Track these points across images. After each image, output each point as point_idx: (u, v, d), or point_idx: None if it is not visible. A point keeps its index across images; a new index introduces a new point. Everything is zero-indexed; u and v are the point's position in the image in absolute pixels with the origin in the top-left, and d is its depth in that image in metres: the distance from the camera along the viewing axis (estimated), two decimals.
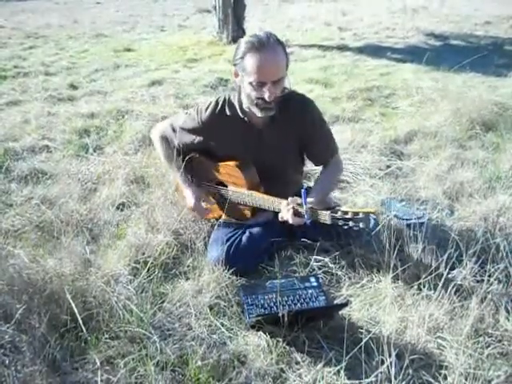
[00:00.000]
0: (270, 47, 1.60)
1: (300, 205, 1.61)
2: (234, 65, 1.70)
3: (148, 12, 12.10)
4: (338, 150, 1.97)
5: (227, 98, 1.85)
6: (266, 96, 1.63)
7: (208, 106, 1.85)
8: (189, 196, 1.95)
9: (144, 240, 1.89)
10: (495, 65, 4.81)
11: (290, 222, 1.64)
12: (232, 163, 1.85)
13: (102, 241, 1.96)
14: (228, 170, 1.88)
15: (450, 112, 3.43)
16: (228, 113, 1.82)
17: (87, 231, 1.99)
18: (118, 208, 2.25)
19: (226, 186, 1.93)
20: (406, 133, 3.21)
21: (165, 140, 1.99)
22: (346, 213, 1.47)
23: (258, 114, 1.71)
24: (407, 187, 2.46)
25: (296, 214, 1.62)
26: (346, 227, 1.48)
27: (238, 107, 1.81)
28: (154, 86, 4.59)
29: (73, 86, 4.71)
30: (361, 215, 1.44)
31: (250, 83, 1.64)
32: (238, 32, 7.18)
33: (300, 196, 1.61)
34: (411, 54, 5.92)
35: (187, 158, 1.92)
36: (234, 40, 7.00)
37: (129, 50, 6.79)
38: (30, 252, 1.75)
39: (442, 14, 9.58)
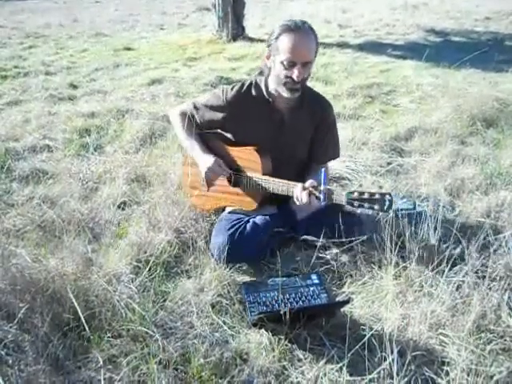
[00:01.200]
0: (304, 30, 1.73)
1: (316, 187, 1.66)
2: (268, 46, 1.79)
3: (147, 11, 12.09)
4: (337, 157, 2.10)
5: (253, 81, 1.94)
6: (295, 76, 1.72)
7: (234, 86, 1.94)
8: (207, 159, 1.89)
9: (145, 239, 1.89)
10: (496, 61, 4.79)
11: (304, 201, 1.67)
12: (251, 147, 1.88)
13: (103, 240, 1.97)
14: (245, 155, 1.90)
15: (451, 108, 3.43)
16: (254, 93, 1.90)
17: (89, 230, 1.99)
18: (119, 207, 2.25)
19: (240, 172, 1.94)
20: (406, 129, 3.21)
21: (184, 116, 2.00)
22: (362, 193, 1.51)
23: (285, 94, 1.79)
24: (408, 184, 2.46)
25: (311, 195, 1.67)
26: (359, 209, 1.53)
27: (264, 89, 1.89)
28: (154, 85, 4.59)
29: (73, 86, 4.71)
30: (377, 196, 1.49)
31: (282, 62, 1.73)
32: (237, 30, 7.16)
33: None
34: (411, 51, 5.91)
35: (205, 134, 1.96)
36: (234, 38, 6.99)
37: (128, 48, 6.78)
38: (32, 251, 1.76)
39: (443, 11, 9.56)
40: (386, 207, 1.49)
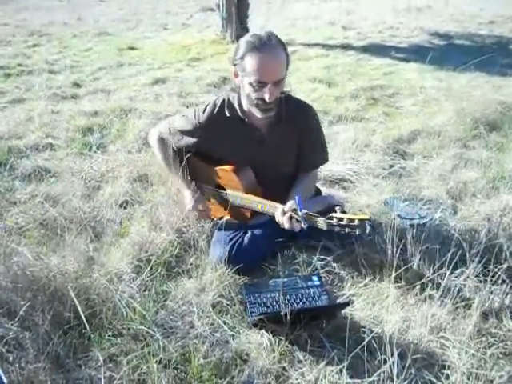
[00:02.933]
0: (270, 47, 1.58)
1: (296, 211, 1.57)
2: (234, 65, 1.67)
3: (151, 10, 12.09)
4: (326, 161, 1.98)
5: (226, 98, 1.82)
6: (267, 97, 1.61)
7: (206, 108, 1.83)
8: (188, 198, 1.95)
9: (147, 238, 1.90)
10: (500, 64, 4.79)
11: (286, 227, 1.60)
12: (228, 168, 1.83)
13: (105, 239, 1.97)
14: (225, 174, 1.88)
15: (454, 112, 3.42)
16: (227, 114, 1.80)
17: (90, 229, 2.00)
18: (121, 206, 2.25)
19: (225, 189, 1.94)
20: (409, 132, 3.21)
21: (162, 143, 1.98)
22: (341, 219, 1.44)
23: (258, 114, 1.70)
24: (410, 187, 2.45)
25: (293, 219, 1.59)
26: (342, 233, 1.45)
27: (238, 108, 1.78)
28: (158, 85, 4.60)
29: (76, 85, 4.71)
30: (356, 222, 1.41)
31: (250, 84, 1.61)
32: (241, 31, 7.16)
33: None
34: (415, 54, 5.90)
35: (186, 157, 1.91)
36: (238, 39, 6.97)
37: (132, 48, 6.79)
38: (34, 249, 1.76)
39: (447, 14, 9.53)
40: (367, 231, 1.42)
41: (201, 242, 1.88)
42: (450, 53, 5.94)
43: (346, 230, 1.44)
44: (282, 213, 1.62)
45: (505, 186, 2.41)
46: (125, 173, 2.49)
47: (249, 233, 1.85)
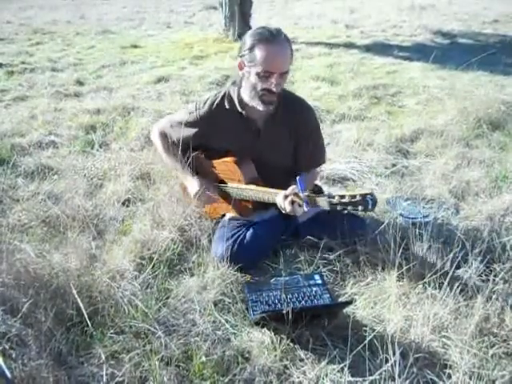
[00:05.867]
0: (279, 40, 1.66)
1: (297, 194, 1.59)
2: (241, 56, 1.72)
3: (155, 8, 12.09)
4: (324, 163, 2.02)
5: (227, 92, 1.88)
6: (273, 86, 1.66)
7: (206, 100, 1.89)
8: (192, 184, 1.93)
9: (149, 236, 1.90)
10: (503, 63, 4.77)
11: (288, 210, 1.62)
12: (230, 159, 1.86)
13: (107, 236, 1.97)
14: (226, 167, 1.89)
15: (457, 111, 3.41)
16: (227, 106, 1.85)
17: (93, 227, 2.00)
18: (123, 204, 2.26)
19: (226, 184, 1.94)
20: (412, 131, 3.20)
21: (164, 136, 2.00)
22: (343, 197, 1.44)
23: (260, 107, 1.74)
24: (413, 186, 2.45)
25: (294, 203, 1.61)
26: (345, 211, 1.45)
27: (236, 101, 1.83)
28: (160, 83, 4.60)
29: (79, 82, 4.72)
30: (358, 198, 1.41)
31: (258, 74, 1.67)
32: (244, 29, 7.14)
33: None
34: (418, 52, 5.88)
35: (191, 156, 1.92)
36: (240, 37, 6.98)
37: (135, 46, 6.79)
38: (37, 247, 1.77)
39: (450, 12, 9.51)
40: (369, 207, 1.41)
41: (203, 240, 1.88)
42: (454, 52, 5.93)
43: (349, 207, 1.43)
44: (283, 197, 1.64)
45: (507, 185, 2.40)
46: (127, 171, 2.50)
47: (251, 229, 1.85)
